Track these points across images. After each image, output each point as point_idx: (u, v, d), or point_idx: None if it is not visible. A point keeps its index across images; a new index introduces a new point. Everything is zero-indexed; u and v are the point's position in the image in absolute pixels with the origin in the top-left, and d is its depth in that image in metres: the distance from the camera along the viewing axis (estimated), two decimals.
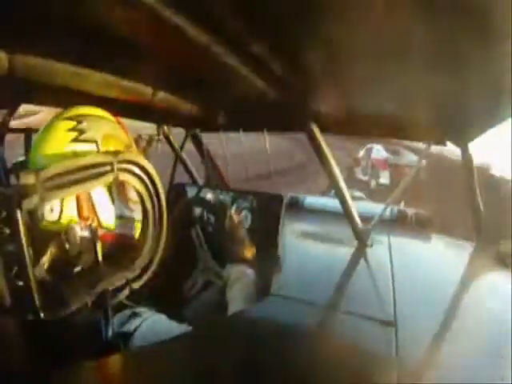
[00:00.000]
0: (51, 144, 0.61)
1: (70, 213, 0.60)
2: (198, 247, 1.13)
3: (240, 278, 0.88)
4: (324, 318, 0.73)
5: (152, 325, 0.59)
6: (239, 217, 1.09)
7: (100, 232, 0.61)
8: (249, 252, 0.95)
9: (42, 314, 0.48)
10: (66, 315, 0.51)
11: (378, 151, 7.35)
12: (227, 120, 1.47)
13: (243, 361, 0.57)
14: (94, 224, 0.61)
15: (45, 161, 0.59)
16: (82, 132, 0.62)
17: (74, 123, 0.62)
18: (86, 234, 0.59)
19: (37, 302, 0.47)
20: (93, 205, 0.62)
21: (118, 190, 0.65)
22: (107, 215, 0.64)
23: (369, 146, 7.74)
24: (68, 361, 0.47)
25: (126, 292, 0.60)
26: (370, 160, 7.63)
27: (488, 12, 0.41)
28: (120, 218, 0.66)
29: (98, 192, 0.62)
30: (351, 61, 0.65)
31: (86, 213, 0.61)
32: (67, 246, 0.57)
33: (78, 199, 0.60)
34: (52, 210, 0.59)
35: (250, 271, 0.91)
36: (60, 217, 0.59)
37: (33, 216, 0.58)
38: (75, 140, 0.61)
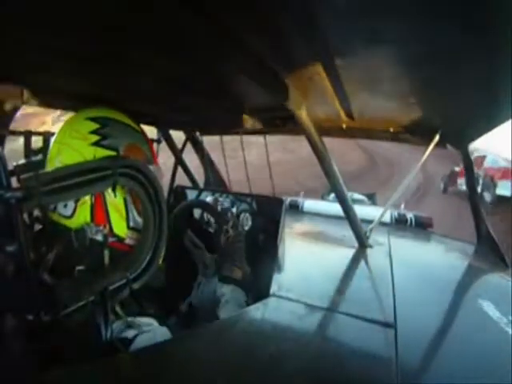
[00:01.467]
0: (71, 144, 0.60)
1: (83, 213, 0.59)
2: (197, 249, 1.13)
3: (231, 300, 0.85)
4: (323, 319, 0.73)
5: (152, 337, 0.58)
6: (237, 230, 1.06)
7: (110, 239, 0.61)
8: (239, 271, 0.91)
9: (41, 315, 0.48)
10: (65, 316, 0.51)
11: (495, 161, 6.70)
12: (228, 123, 1.48)
13: (242, 361, 0.57)
14: (106, 231, 0.60)
15: (62, 161, 0.59)
16: (104, 137, 0.61)
17: (97, 125, 0.61)
18: (96, 237, 0.59)
19: (36, 303, 0.47)
20: (107, 211, 0.61)
21: (134, 202, 0.65)
22: (119, 224, 0.63)
23: (481, 154, 6.96)
24: (67, 362, 0.47)
25: (127, 292, 0.60)
26: (482, 170, 6.73)
27: (487, 13, 0.41)
28: (133, 229, 0.65)
29: (113, 199, 0.62)
30: (351, 62, 0.66)
31: (99, 217, 0.60)
32: (75, 244, 0.57)
33: (93, 203, 0.60)
34: (66, 206, 0.59)
35: (239, 291, 0.87)
36: (73, 214, 0.59)
37: (44, 208, 0.58)
38: (96, 144, 0.60)
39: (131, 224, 0.64)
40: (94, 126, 0.61)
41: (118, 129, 0.64)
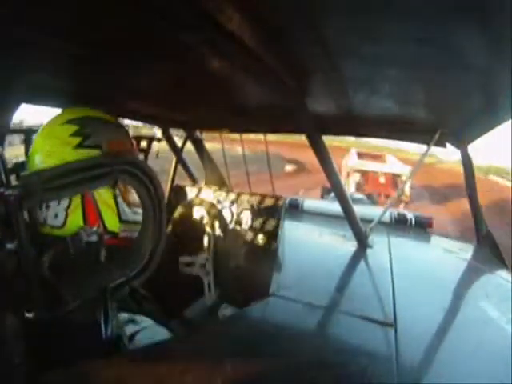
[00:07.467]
0: (54, 153, 0.59)
1: (76, 219, 0.59)
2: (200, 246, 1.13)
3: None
4: (323, 318, 0.73)
5: (151, 335, 0.59)
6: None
7: (105, 237, 0.61)
8: None
9: (41, 313, 0.48)
10: (65, 313, 0.51)
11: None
12: (229, 122, 1.47)
13: (242, 360, 0.57)
14: (100, 230, 0.60)
15: (45, 165, 0.58)
16: (86, 137, 0.60)
17: (76, 127, 0.61)
18: (91, 239, 0.59)
19: (36, 301, 0.47)
20: (99, 210, 0.61)
21: (122, 194, 0.65)
22: (112, 220, 0.63)
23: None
24: (66, 360, 0.47)
25: (126, 290, 0.60)
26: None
27: (487, 13, 0.41)
28: (125, 222, 0.65)
29: (103, 197, 0.62)
30: (351, 62, 0.66)
31: (91, 219, 0.60)
32: (72, 250, 0.56)
33: (83, 206, 0.60)
34: (56, 216, 0.59)
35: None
36: (65, 223, 0.59)
37: (33, 217, 0.58)
38: (79, 146, 0.59)
39: (123, 217, 0.65)
40: (74, 128, 0.60)
41: (97, 126, 0.63)
